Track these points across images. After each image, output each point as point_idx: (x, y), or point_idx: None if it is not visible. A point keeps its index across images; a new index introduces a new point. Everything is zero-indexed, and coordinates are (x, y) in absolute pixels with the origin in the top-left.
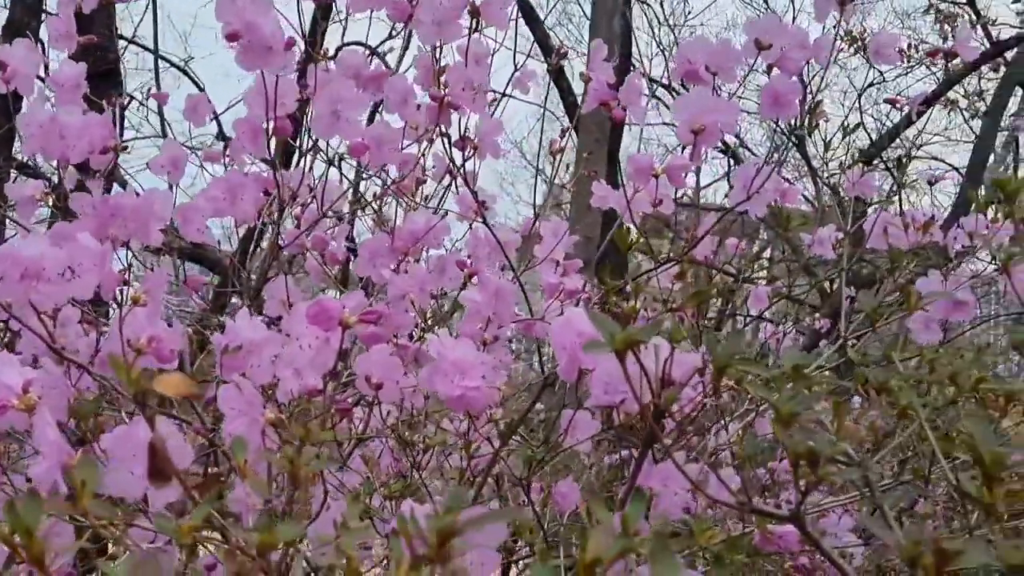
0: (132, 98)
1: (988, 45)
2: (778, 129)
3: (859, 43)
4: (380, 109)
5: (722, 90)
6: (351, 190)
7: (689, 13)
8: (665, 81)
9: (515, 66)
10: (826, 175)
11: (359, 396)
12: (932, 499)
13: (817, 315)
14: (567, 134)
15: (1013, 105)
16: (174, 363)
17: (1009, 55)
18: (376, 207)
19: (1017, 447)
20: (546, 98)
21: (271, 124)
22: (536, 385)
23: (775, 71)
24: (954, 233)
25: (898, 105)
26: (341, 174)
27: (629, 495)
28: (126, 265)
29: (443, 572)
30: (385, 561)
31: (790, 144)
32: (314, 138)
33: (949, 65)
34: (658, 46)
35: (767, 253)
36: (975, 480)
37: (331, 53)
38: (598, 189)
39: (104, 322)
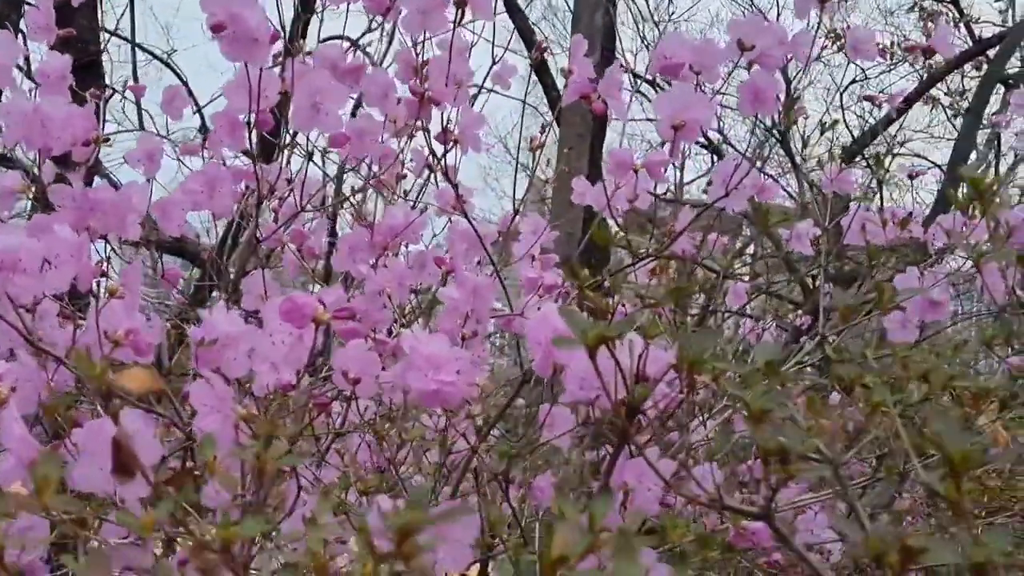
0: (115, 91)
1: (971, 43)
2: (760, 125)
3: (842, 40)
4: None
5: (705, 87)
6: (333, 185)
7: (673, 12)
8: (649, 77)
9: (493, 60)
10: (807, 171)
11: (338, 391)
12: (913, 496)
13: (799, 312)
14: (547, 129)
15: (996, 103)
16: (151, 356)
17: (992, 53)
18: (354, 202)
19: (986, 444)
20: (526, 92)
21: (253, 117)
22: (516, 381)
23: (755, 67)
24: (933, 230)
25: (876, 102)
26: (323, 170)
27: (602, 491)
28: (105, 258)
29: (407, 569)
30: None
31: (774, 140)
32: (293, 132)
33: (931, 63)
34: (642, 41)
35: (750, 249)
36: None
37: (312, 47)
38: (578, 185)
39: (81, 315)
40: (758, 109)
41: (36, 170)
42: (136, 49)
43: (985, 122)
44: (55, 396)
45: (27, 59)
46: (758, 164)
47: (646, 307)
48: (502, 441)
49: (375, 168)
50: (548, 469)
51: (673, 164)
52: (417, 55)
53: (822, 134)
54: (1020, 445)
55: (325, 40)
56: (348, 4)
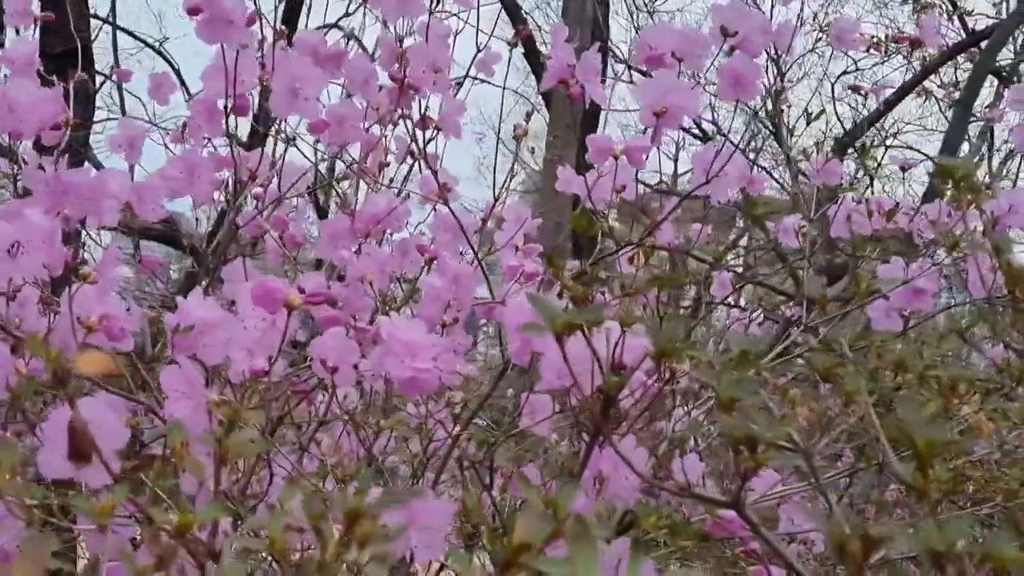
0: (107, 77)
1: (964, 35)
2: (753, 115)
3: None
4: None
5: (692, 75)
6: (321, 171)
7: (667, 0)
8: (643, 67)
9: (478, 48)
10: (797, 162)
11: (319, 379)
12: (899, 488)
13: (791, 303)
14: (531, 117)
15: (990, 96)
16: (128, 342)
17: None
18: (338, 188)
19: (958, 433)
20: (505, 78)
21: (230, 102)
22: (498, 369)
23: (736, 52)
24: (919, 221)
25: (862, 92)
26: (308, 157)
27: (579, 480)
28: (80, 244)
29: (362, 555)
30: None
31: (766, 131)
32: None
33: (925, 55)
34: (636, 32)
35: (743, 241)
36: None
37: (305, 34)
38: (563, 174)
39: (58, 301)
40: (739, 94)
41: (22, 158)
42: (128, 36)
43: (978, 115)
44: (25, 382)
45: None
46: (751, 155)
47: (626, 296)
48: (485, 430)
49: (359, 155)
50: (533, 458)
51: (668, 156)
52: (400, 41)
53: (807, 124)
54: (1003, 436)
55: (320, 28)
56: None
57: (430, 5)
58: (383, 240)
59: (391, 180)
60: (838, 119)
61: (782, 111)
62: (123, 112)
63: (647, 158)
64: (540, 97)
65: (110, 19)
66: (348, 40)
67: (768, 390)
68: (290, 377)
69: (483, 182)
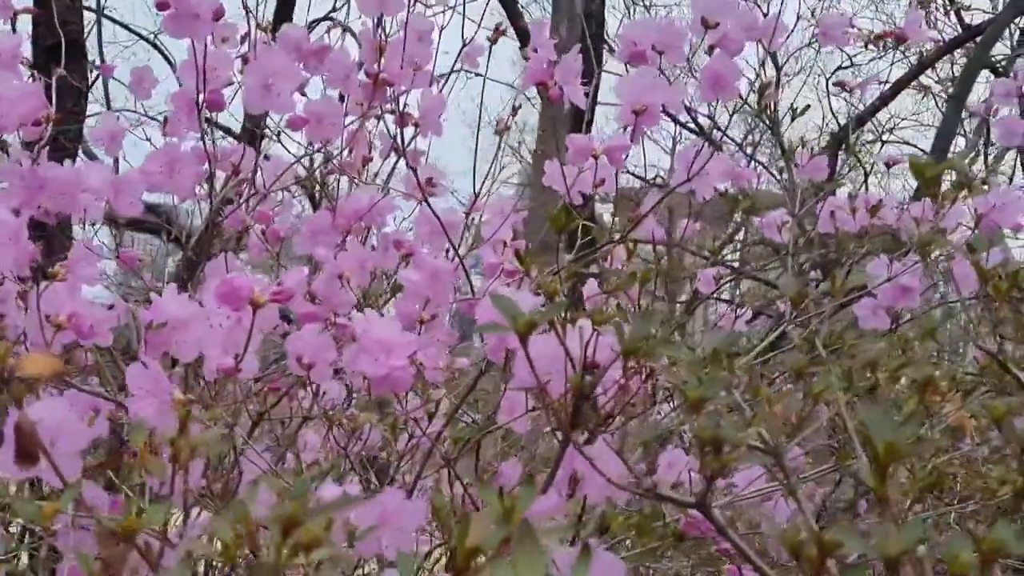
0: (99, 70)
1: (960, 30)
2: (748, 107)
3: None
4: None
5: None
6: (312, 166)
7: None
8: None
9: (464, 42)
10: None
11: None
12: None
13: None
14: (528, 113)
15: (988, 91)
16: (105, 338)
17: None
18: (319, 184)
19: (919, 434)
20: (486, 70)
21: (201, 97)
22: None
23: (716, 51)
24: (904, 218)
25: (848, 87)
26: (305, 152)
27: (552, 479)
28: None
29: (311, 559)
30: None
31: (763, 126)
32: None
33: (922, 49)
34: None
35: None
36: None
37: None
38: (550, 168)
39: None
40: (718, 95)
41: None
42: (123, 28)
43: (974, 110)
44: None
45: None
46: (748, 149)
47: (606, 293)
48: (467, 427)
49: (344, 151)
50: (516, 454)
51: (665, 150)
52: (385, 35)
53: (792, 120)
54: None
55: (315, 22)
56: None
57: (409, 2)
58: (368, 236)
59: (376, 175)
60: (833, 115)
61: (768, 105)
62: (108, 106)
63: (627, 157)
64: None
65: (104, 11)
66: (344, 31)
67: (743, 387)
68: (269, 374)
69: (481, 175)
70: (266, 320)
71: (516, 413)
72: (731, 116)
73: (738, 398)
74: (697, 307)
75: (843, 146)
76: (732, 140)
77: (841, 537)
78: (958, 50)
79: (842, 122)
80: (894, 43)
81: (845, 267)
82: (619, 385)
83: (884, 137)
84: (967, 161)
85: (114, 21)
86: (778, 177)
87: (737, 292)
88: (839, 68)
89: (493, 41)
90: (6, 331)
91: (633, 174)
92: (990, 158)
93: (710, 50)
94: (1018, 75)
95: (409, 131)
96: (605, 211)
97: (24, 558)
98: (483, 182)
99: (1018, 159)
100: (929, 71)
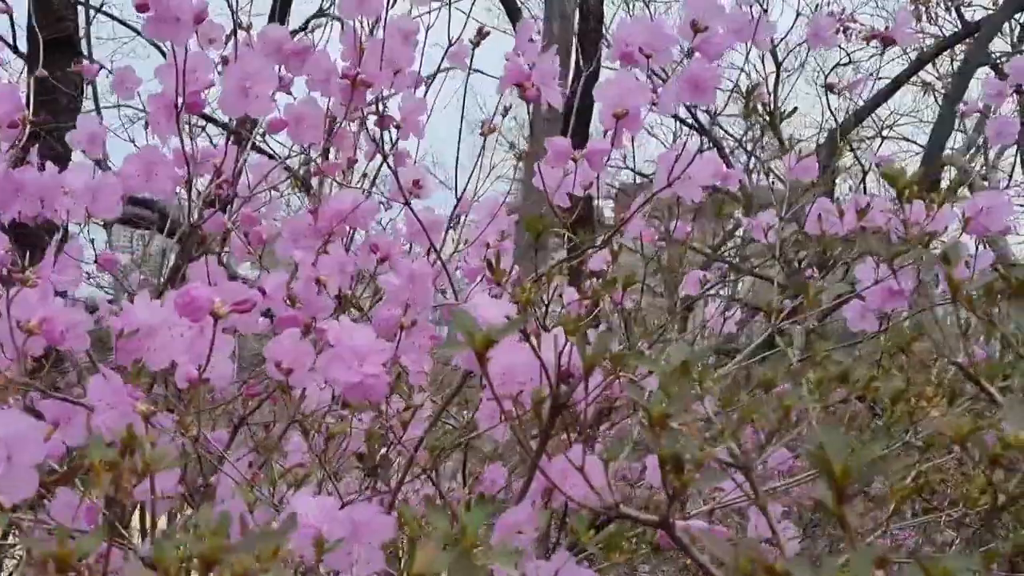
0: (101, 66)
1: (960, 27)
2: (752, 104)
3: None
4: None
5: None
6: (301, 167)
7: None
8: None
9: (450, 42)
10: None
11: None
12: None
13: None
14: (507, 112)
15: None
16: (83, 342)
17: None
18: (303, 185)
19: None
20: (470, 66)
21: (180, 100)
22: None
23: (695, 55)
24: (893, 219)
25: (836, 89)
26: (291, 153)
27: (526, 490)
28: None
29: None
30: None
31: (764, 125)
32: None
33: (922, 46)
34: None
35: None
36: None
37: (268, 28)
38: (535, 169)
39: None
40: (696, 99)
41: None
42: (122, 25)
43: (974, 107)
44: None
45: None
46: (748, 147)
47: (586, 299)
48: (448, 432)
49: (330, 152)
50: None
51: (666, 146)
52: (371, 34)
53: (780, 121)
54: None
55: (310, 19)
56: None
57: (388, 3)
58: (352, 238)
59: (364, 176)
60: (831, 112)
61: (755, 108)
62: (96, 104)
63: (607, 161)
64: None
65: (102, 7)
66: (342, 24)
67: (716, 397)
68: (247, 379)
69: (479, 173)
70: (246, 324)
71: (495, 421)
72: (718, 114)
73: (708, 410)
74: (695, 303)
75: (839, 143)
76: (732, 137)
77: (792, 568)
78: (959, 46)
79: (841, 119)
80: (880, 46)
81: (833, 270)
82: (599, 393)
83: (884, 133)
84: (967, 158)
85: (112, 18)
86: (777, 174)
87: (738, 289)
88: (837, 65)
89: (476, 44)
90: None
91: (633, 170)
92: (991, 155)
93: (689, 53)
94: (1010, 74)
95: (388, 133)
96: (606, 206)
97: None
98: (467, 183)
99: (1018, 156)
100: (930, 67)
